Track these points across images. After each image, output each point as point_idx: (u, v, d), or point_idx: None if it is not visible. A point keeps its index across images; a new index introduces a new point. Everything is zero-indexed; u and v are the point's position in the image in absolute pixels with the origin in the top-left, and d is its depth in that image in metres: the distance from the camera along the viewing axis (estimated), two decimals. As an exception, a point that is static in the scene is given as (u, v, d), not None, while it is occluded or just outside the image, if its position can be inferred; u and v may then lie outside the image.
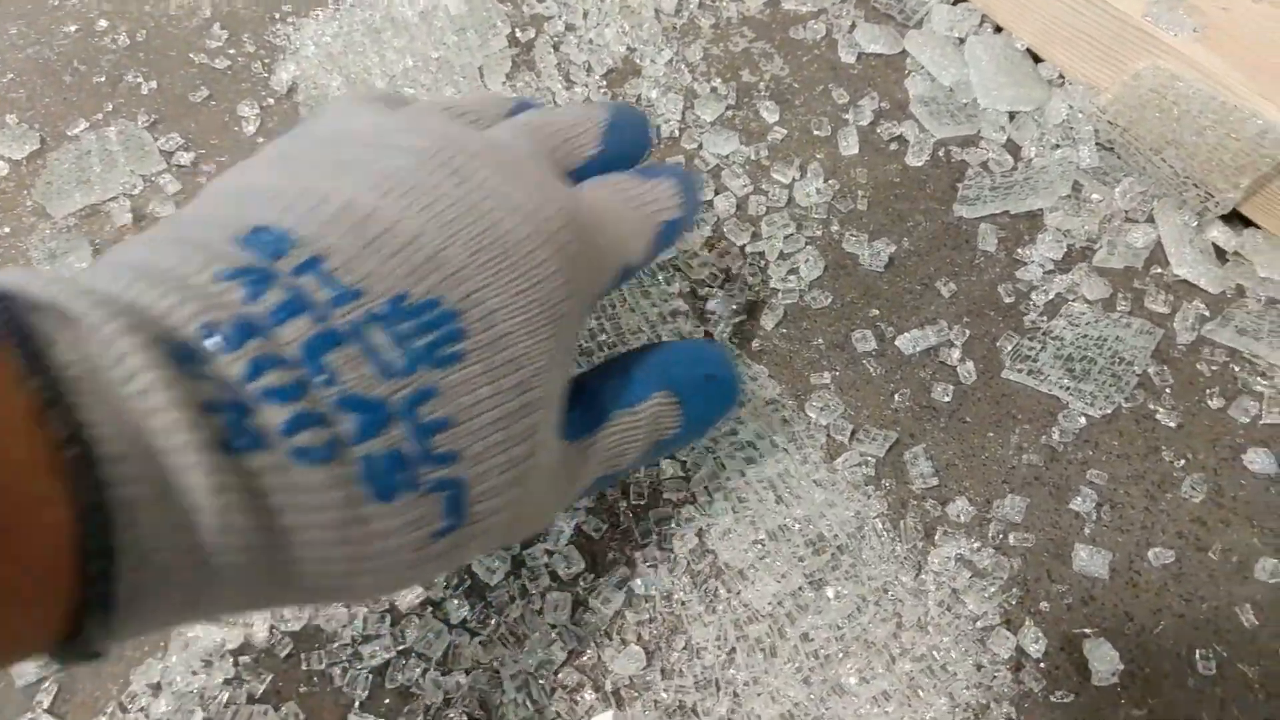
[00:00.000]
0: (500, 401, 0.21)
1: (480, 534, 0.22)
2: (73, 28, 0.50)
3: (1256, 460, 0.38)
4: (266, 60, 0.49)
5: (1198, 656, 0.34)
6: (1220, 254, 0.42)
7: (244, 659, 0.35)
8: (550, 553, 0.37)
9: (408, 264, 0.21)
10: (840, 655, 0.34)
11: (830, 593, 0.35)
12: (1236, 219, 0.43)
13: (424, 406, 0.20)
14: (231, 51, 0.50)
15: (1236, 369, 0.40)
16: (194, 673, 0.34)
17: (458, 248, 0.22)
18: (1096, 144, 0.45)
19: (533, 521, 0.25)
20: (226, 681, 0.34)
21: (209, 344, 0.18)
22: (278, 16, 0.51)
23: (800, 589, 0.35)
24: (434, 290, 0.21)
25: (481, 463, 0.21)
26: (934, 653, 0.34)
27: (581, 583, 0.36)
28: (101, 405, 0.15)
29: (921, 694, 0.34)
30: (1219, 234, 0.42)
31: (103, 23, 0.50)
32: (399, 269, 0.21)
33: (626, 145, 0.29)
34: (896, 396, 0.40)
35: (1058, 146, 0.45)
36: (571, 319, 0.24)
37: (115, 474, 0.15)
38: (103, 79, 0.49)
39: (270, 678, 0.34)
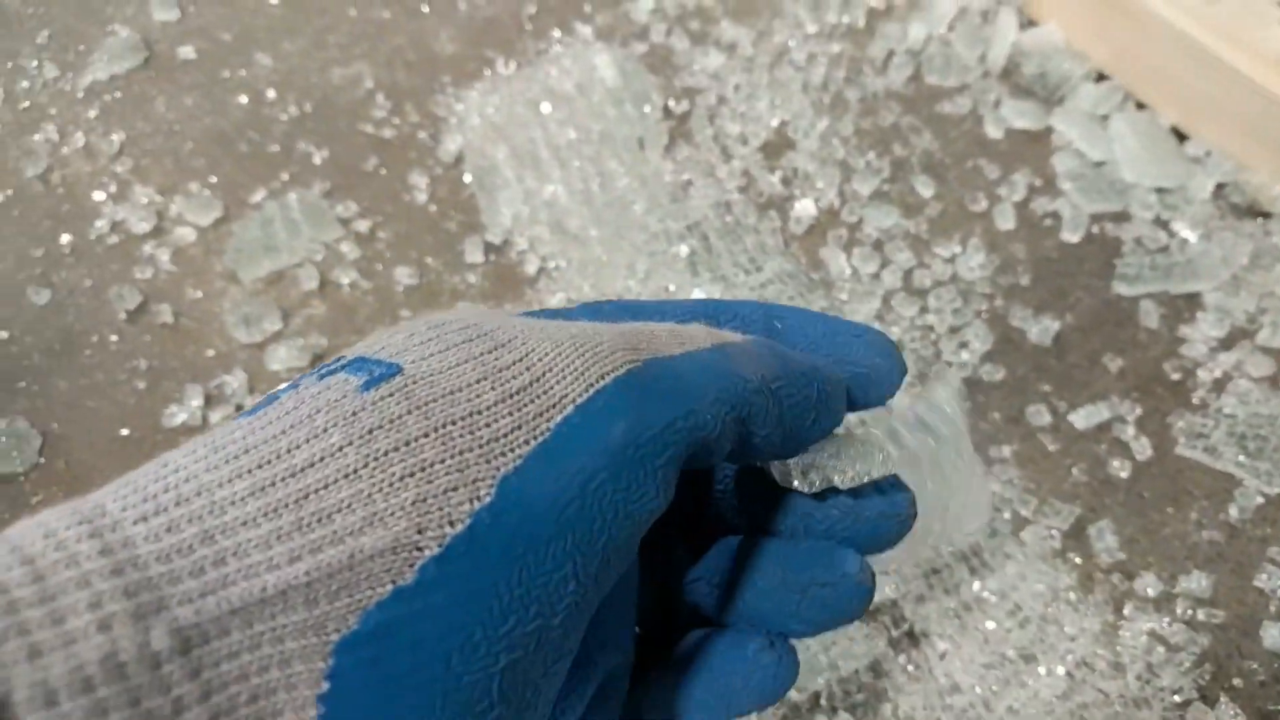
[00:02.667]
0: None
1: None
2: (244, 99, 0.52)
3: None
4: (431, 130, 0.51)
5: (1393, 734, 0.36)
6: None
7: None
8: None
9: None
10: (1046, 729, 0.36)
11: (1042, 669, 0.36)
12: (1394, 298, 0.44)
13: None
14: (396, 121, 0.52)
15: (1404, 447, 0.41)
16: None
17: None
18: (1253, 215, 0.46)
19: None
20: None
21: None
22: (437, 88, 0.53)
23: (1003, 660, 0.37)
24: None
25: None
26: (1137, 727, 0.36)
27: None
28: None
29: (1127, 768, 0.35)
30: (1377, 313, 0.44)
31: (271, 93, 0.52)
32: None
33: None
34: (1074, 471, 0.41)
35: (1207, 226, 0.46)
36: None
37: None
38: (276, 148, 0.50)
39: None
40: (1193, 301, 0.45)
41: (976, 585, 0.38)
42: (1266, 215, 0.47)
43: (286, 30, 0.55)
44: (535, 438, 0.18)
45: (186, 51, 0.54)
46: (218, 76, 0.53)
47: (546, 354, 0.19)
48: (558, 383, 0.18)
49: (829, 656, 0.37)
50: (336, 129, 0.51)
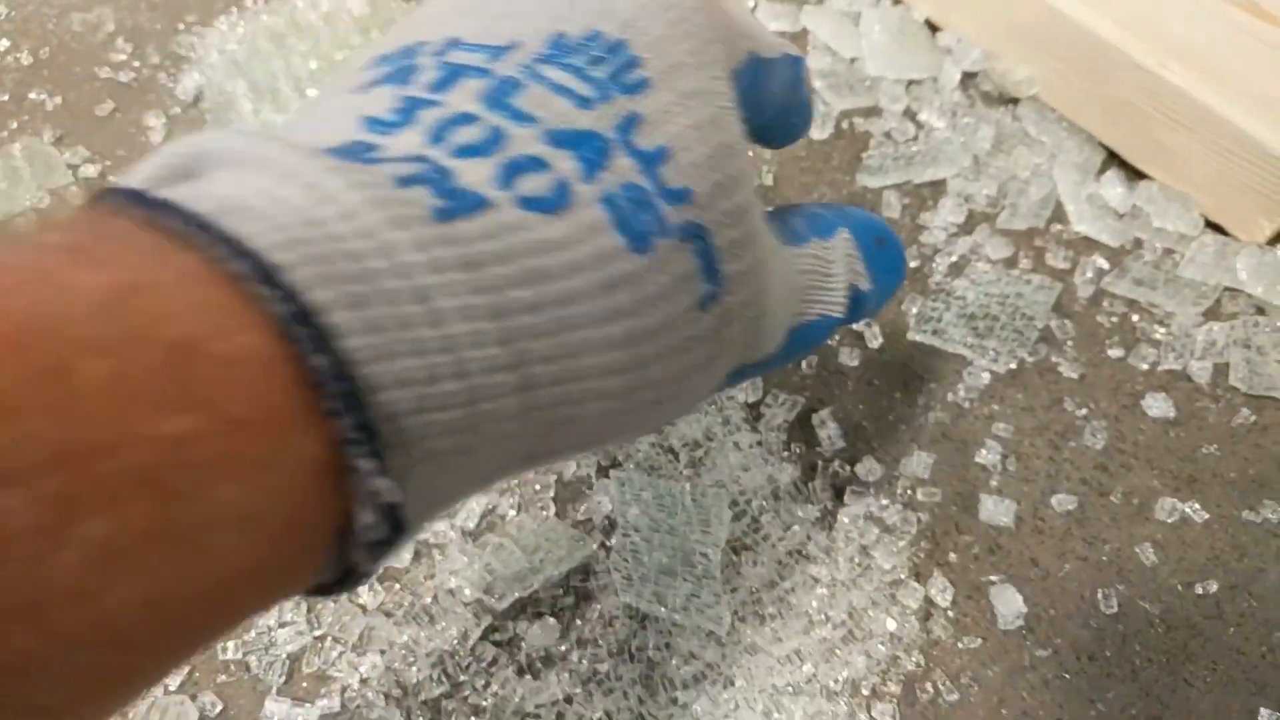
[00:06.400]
0: (705, 136, 0.19)
1: (738, 310, 0.19)
2: (-25, 47, 0.50)
3: (1155, 405, 0.38)
4: (172, 71, 0.49)
5: (1100, 596, 0.35)
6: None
7: (158, 659, 0.35)
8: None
9: (550, 6, 0.19)
10: (758, 618, 0.35)
11: (749, 559, 0.36)
12: (1131, 172, 0.44)
13: (636, 133, 0.17)
14: (136, 64, 0.50)
15: (1135, 318, 0.41)
16: (107, 675, 0.34)
17: None
18: (1000, 100, 0.46)
19: (771, 330, 0.22)
20: (141, 682, 0.34)
21: (372, 136, 0.16)
22: (182, 27, 0.51)
23: (710, 552, 0.36)
24: (590, 24, 0.19)
25: (713, 207, 0.18)
26: (849, 614, 0.35)
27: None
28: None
29: (838, 653, 0.34)
30: (1115, 190, 0.43)
31: (4, 42, 0.50)
32: (541, 13, 0.19)
33: None
34: (804, 363, 0.40)
35: (955, 115, 0.46)
36: (722, 65, 0.21)
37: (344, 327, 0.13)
38: (6, 98, 0.48)
39: (186, 669, 0.34)
40: (936, 189, 0.44)
41: (695, 480, 0.37)
42: (1014, 101, 0.46)
43: (27, -21, 0.53)
44: None
45: (-85, 5, 0.51)
46: (-53, 28, 0.51)
47: None
48: None
49: (533, 561, 0.36)
50: (72, 75, 0.49)
